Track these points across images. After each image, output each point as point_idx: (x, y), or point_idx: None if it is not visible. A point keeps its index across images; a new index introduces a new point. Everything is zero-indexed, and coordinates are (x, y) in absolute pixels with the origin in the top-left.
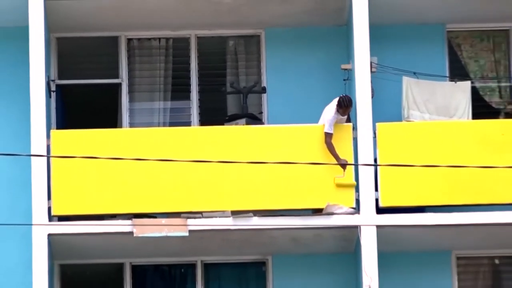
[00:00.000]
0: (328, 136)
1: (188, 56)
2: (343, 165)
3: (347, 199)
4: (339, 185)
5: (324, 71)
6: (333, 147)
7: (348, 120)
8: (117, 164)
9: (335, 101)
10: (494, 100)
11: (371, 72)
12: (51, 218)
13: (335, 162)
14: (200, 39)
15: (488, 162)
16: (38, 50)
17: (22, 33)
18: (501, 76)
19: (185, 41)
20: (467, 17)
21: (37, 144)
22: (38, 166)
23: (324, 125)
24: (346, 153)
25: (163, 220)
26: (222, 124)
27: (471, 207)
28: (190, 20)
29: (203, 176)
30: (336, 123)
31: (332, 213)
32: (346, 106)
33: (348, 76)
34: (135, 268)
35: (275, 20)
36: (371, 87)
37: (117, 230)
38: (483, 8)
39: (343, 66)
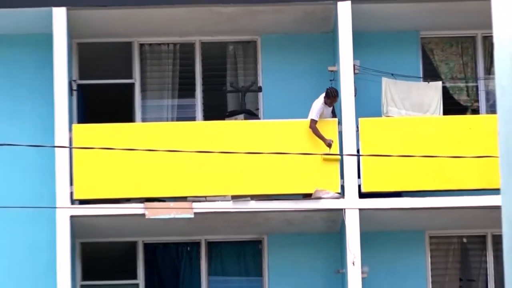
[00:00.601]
0: (312, 121)
1: (193, 59)
2: (329, 144)
3: (333, 185)
4: (326, 159)
5: (312, 73)
6: (318, 130)
7: (334, 116)
8: (131, 154)
9: (322, 95)
10: (462, 98)
11: (354, 73)
12: (73, 201)
13: (323, 152)
14: (203, 44)
15: (456, 153)
16: (61, 54)
17: (46, 39)
18: (468, 77)
19: (191, 46)
20: (438, 25)
21: (61, 136)
22: (61, 156)
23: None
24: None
25: (171, 204)
26: (223, 119)
27: (442, 192)
28: (194, 27)
29: (207, 164)
30: (323, 115)
31: (320, 198)
32: (333, 97)
33: (334, 77)
34: (146, 246)
35: (270, 28)
36: (354, 86)
37: (131, 212)
38: (452, 18)
39: (330, 68)
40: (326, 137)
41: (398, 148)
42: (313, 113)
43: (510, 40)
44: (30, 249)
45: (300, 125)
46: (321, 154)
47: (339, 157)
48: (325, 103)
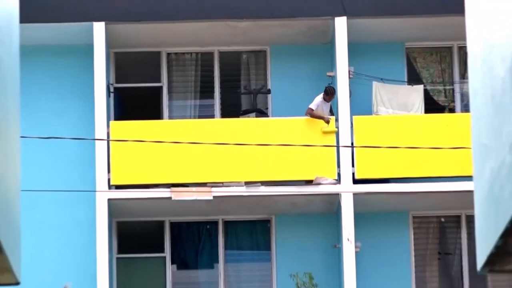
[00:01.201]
0: (309, 109)
1: (212, 66)
2: (327, 121)
3: (331, 172)
4: (325, 132)
5: (314, 77)
6: (315, 114)
7: (332, 114)
8: (159, 146)
9: (322, 93)
10: (440, 99)
11: (349, 78)
12: (110, 186)
13: (320, 144)
14: (221, 53)
15: (436, 145)
16: (100, 61)
17: (88, 48)
18: (445, 81)
19: (210, 55)
20: (420, 37)
21: (100, 131)
22: (100, 148)
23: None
24: (329, 138)
25: (194, 188)
26: (237, 116)
27: (424, 179)
28: (213, 39)
29: (223, 155)
30: (321, 109)
31: (320, 183)
32: (331, 94)
33: (332, 81)
34: (172, 224)
35: (277, 40)
36: (349, 89)
37: (159, 196)
38: (432, 31)
39: (328, 74)
40: (324, 135)
41: (386, 141)
42: (312, 104)
43: (481, 50)
44: (74, 227)
45: (303, 122)
46: (321, 154)
47: (335, 129)
48: (324, 99)
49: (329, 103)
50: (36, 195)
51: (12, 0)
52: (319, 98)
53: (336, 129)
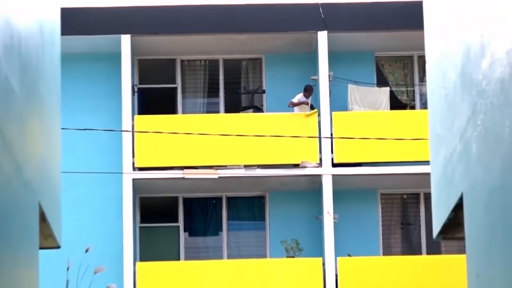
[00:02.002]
0: (290, 102)
1: (218, 71)
2: (307, 103)
3: (314, 158)
4: (308, 115)
5: (300, 80)
6: (295, 103)
7: (312, 108)
8: (174, 136)
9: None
10: (403, 98)
11: (329, 81)
12: (134, 169)
13: (305, 135)
14: (225, 61)
15: (400, 136)
16: (126, 67)
17: (116, 56)
18: (407, 84)
19: (216, 62)
20: (387, 47)
21: (126, 124)
22: (127, 138)
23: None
24: (313, 130)
25: (202, 170)
26: (238, 112)
27: (390, 163)
28: (219, 49)
29: (226, 143)
30: (302, 104)
31: (305, 167)
32: (309, 90)
33: (315, 83)
34: (185, 199)
35: (271, 49)
36: (329, 90)
37: (174, 176)
38: (397, 42)
39: (312, 77)
40: (308, 127)
41: (359, 132)
42: (293, 99)
43: (437, 58)
44: (105, 202)
45: (292, 117)
46: (305, 143)
47: (316, 110)
48: (304, 95)
49: (309, 98)
50: (74, 176)
51: (54, 16)
52: (300, 94)
53: (317, 110)
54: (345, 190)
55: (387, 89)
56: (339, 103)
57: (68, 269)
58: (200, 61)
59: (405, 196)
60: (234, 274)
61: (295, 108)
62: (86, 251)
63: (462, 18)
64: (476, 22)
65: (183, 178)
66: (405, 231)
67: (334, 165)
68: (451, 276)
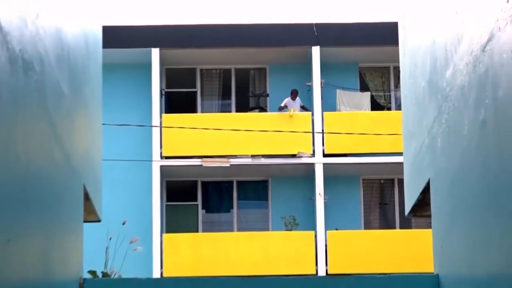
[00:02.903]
0: (279, 106)
1: (230, 78)
2: (280, 107)
3: (308, 149)
4: (291, 115)
5: (297, 86)
6: (281, 107)
7: (305, 109)
8: (194, 131)
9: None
10: (381, 101)
11: (321, 87)
12: (161, 157)
13: (301, 131)
14: (236, 70)
15: (379, 131)
16: (155, 74)
17: (147, 65)
18: (385, 90)
19: (229, 70)
20: (369, 60)
21: (155, 121)
22: (156, 132)
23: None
24: (307, 127)
25: (217, 159)
26: (246, 111)
27: (370, 154)
28: (231, 60)
29: (237, 137)
30: (290, 105)
31: (301, 156)
32: (295, 94)
33: (310, 88)
34: (203, 182)
35: (273, 60)
36: (321, 94)
37: (194, 164)
38: (377, 56)
39: (307, 84)
40: (304, 124)
41: (345, 129)
42: (281, 103)
43: (408, 68)
44: (138, 184)
45: (290, 116)
46: (300, 138)
47: (292, 113)
48: (291, 98)
49: (295, 100)
50: (113, 163)
51: (97, 31)
52: (288, 98)
53: (293, 113)
54: (333, 176)
55: (368, 93)
56: (329, 105)
57: (110, 239)
58: (216, 70)
59: (382, 181)
60: (242, 243)
61: (285, 109)
62: (123, 223)
63: (429, 35)
64: (441, 39)
65: (201, 165)
66: (382, 209)
67: (325, 155)
68: (420, 246)
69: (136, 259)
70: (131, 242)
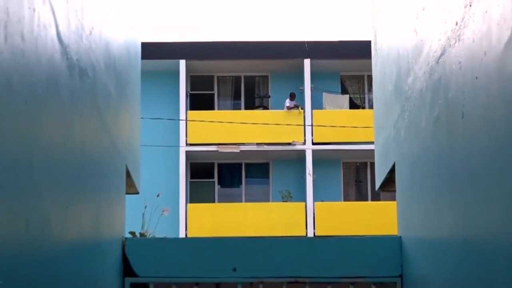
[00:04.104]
0: (286, 107)
1: (240, 83)
2: (293, 106)
3: (300, 138)
4: (288, 108)
5: (292, 89)
6: (289, 107)
7: (300, 108)
8: (212, 124)
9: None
10: (357, 102)
11: (311, 90)
12: (187, 144)
13: (295, 124)
14: (245, 77)
15: (355, 125)
16: (182, 80)
17: (175, 73)
18: (360, 93)
19: (239, 77)
20: (348, 69)
21: (182, 116)
22: (182, 124)
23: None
24: (300, 121)
25: (229, 146)
26: (253, 109)
27: (348, 143)
28: (241, 69)
29: (245, 129)
30: (289, 104)
31: (295, 144)
32: (293, 96)
33: (302, 92)
34: (218, 164)
35: (274, 69)
36: (311, 96)
37: (211, 149)
38: (354, 66)
39: (300, 88)
40: (297, 119)
41: (329, 123)
42: (286, 103)
43: (379, 76)
44: (168, 165)
45: (287, 113)
46: (296, 130)
47: (302, 110)
48: (290, 99)
49: (294, 100)
50: (149, 148)
51: (137, 44)
52: (288, 99)
53: (302, 108)
54: (320, 160)
55: (347, 96)
56: (317, 104)
57: (145, 207)
58: (229, 77)
59: (358, 164)
60: (249, 212)
61: (286, 108)
62: (158, 195)
63: (395, 50)
64: (405, 52)
65: (217, 151)
66: (358, 186)
67: (313, 143)
68: (387, 215)
69: (166, 223)
70: (163, 211)
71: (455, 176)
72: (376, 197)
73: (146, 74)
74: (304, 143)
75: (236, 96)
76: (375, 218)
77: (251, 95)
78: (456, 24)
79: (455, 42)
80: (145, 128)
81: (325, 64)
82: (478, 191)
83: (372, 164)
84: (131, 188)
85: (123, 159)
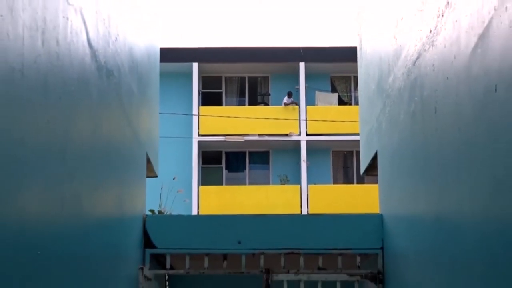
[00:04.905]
0: (283, 103)
1: (245, 83)
2: (290, 103)
3: (296, 130)
4: (286, 104)
5: (289, 88)
6: (286, 104)
7: (296, 104)
8: (221, 118)
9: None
10: (345, 99)
11: (305, 89)
12: (199, 135)
13: (291, 118)
14: (249, 77)
15: (343, 119)
16: (195, 80)
17: (188, 74)
18: (347, 91)
19: (244, 77)
20: (338, 71)
21: (195, 111)
22: (195, 118)
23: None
24: (296, 116)
25: (234, 136)
26: (256, 105)
27: (337, 134)
28: (245, 70)
29: (249, 122)
30: (287, 101)
31: (292, 135)
32: (290, 94)
33: (298, 90)
34: (226, 152)
35: (274, 71)
36: (305, 94)
37: (219, 140)
38: (342, 68)
39: (296, 87)
40: (294, 114)
41: (321, 117)
42: (284, 100)
43: (364, 77)
44: (183, 153)
45: (284, 108)
46: (292, 123)
47: (297, 105)
48: (287, 96)
49: (290, 98)
50: (167, 138)
51: (156, 50)
52: (286, 97)
53: (298, 104)
54: (313, 149)
55: (336, 94)
56: (310, 101)
57: (162, 188)
58: (235, 77)
59: (345, 152)
60: (252, 193)
61: (283, 104)
62: (174, 179)
63: (378, 54)
64: (386, 56)
65: (225, 141)
66: (345, 171)
67: (307, 135)
68: (370, 196)
69: (181, 203)
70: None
71: (429, 162)
72: (361, 180)
73: (163, 75)
74: (299, 134)
75: (241, 94)
76: (360, 199)
77: (254, 93)
78: (430, 31)
79: (429, 47)
80: (163, 121)
81: (317, 66)
82: (449, 176)
83: (358, 153)
84: (150, 172)
85: (143, 148)
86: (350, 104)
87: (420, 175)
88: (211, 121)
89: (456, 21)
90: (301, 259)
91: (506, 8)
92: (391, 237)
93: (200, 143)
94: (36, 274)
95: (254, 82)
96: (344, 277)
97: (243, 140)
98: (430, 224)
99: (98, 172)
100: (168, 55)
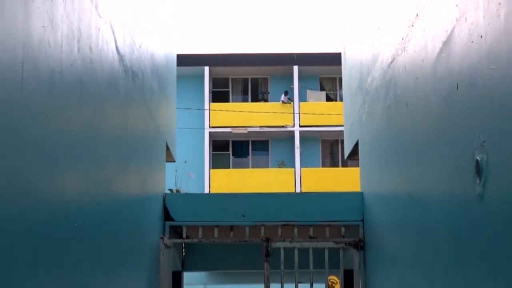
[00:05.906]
0: (281, 100)
1: (248, 83)
2: (283, 102)
3: (291, 122)
4: (283, 101)
5: (286, 87)
6: (283, 101)
7: (291, 101)
8: (228, 112)
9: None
10: (331, 96)
11: (299, 88)
12: (210, 127)
13: (287, 112)
14: (251, 78)
15: (330, 113)
16: (206, 81)
17: (201, 76)
18: (334, 90)
19: (247, 79)
20: (326, 73)
21: (206, 106)
22: (206, 113)
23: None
24: (290, 110)
25: (239, 128)
26: (257, 102)
27: (325, 125)
28: (248, 73)
29: (251, 115)
30: (283, 99)
31: (287, 127)
32: (287, 93)
33: (292, 89)
34: (232, 141)
35: (272, 73)
36: (298, 92)
37: (227, 131)
38: (329, 71)
39: (291, 86)
40: (289, 109)
41: (311, 111)
42: (281, 98)
43: (347, 77)
44: (196, 142)
45: (281, 105)
46: (288, 116)
47: (292, 102)
48: (284, 94)
49: (287, 96)
50: (182, 130)
51: (173, 56)
52: (282, 95)
53: (293, 101)
54: (305, 138)
55: (324, 92)
56: (303, 98)
57: (176, 171)
58: (240, 79)
59: (332, 141)
60: (254, 176)
61: (281, 101)
62: (185, 162)
63: (358, 58)
64: (365, 60)
65: (231, 131)
66: (332, 156)
67: (300, 126)
68: (353, 177)
69: (194, 184)
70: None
71: (402, 148)
72: (345, 164)
73: (180, 77)
74: (294, 126)
75: (245, 93)
76: (344, 179)
77: (256, 92)
78: (402, 39)
79: (402, 52)
80: (179, 115)
81: (308, 69)
82: (419, 160)
83: (342, 141)
84: (169, 157)
85: (163, 137)
86: (336, 100)
87: (395, 159)
88: (220, 115)
89: (424, 30)
90: (295, 230)
91: (465, 18)
92: (370, 211)
93: (211, 134)
94: (75, 242)
95: (255, 83)
96: (331, 244)
97: (246, 131)
98: (403, 200)
99: (124, 159)
100: (183, 60)
